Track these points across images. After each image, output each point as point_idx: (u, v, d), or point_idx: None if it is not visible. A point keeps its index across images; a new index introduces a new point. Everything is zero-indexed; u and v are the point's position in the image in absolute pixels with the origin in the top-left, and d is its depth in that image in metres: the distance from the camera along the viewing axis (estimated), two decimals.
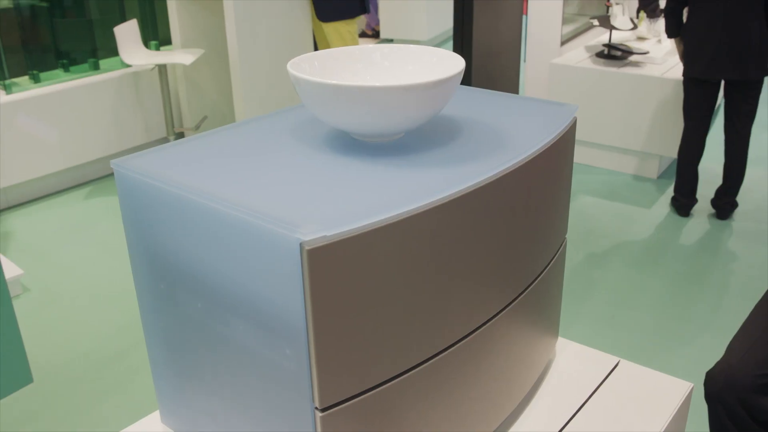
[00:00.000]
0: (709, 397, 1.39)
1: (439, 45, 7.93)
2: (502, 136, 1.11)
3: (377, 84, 0.94)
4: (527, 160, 1.04)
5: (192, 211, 0.91)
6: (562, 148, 1.17)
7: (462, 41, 4.33)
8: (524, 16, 4.90)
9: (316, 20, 4.41)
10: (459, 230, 0.94)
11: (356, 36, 4.56)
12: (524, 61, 5.02)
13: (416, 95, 0.98)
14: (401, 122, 1.02)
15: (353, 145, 1.07)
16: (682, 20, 3.53)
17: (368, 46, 1.13)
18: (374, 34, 8.36)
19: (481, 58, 3.30)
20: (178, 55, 4.12)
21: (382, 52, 1.13)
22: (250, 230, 0.84)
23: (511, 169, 1.00)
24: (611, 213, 3.92)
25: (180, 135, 4.73)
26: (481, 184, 0.95)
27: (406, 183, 0.94)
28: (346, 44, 4.52)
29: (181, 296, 1.01)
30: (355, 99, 0.96)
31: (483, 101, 1.30)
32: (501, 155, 1.03)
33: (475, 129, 1.15)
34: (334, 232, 0.80)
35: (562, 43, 4.90)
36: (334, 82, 0.95)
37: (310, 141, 1.09)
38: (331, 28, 4.38)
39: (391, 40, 8.02)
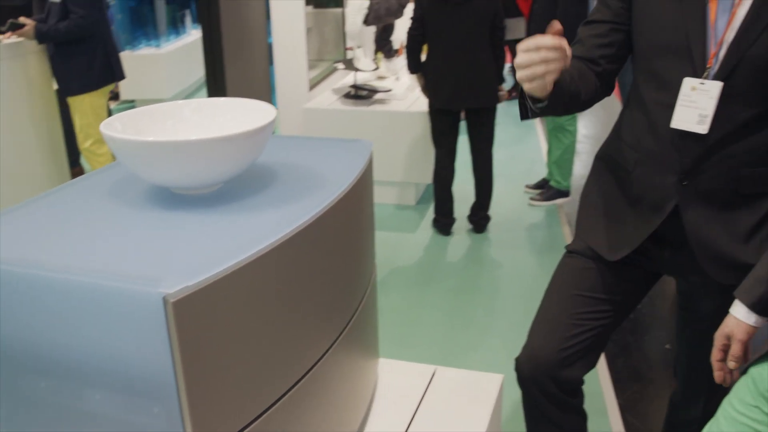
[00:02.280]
0: (522, 381, 1.56)
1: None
2: (314, 176, 1.19)
3: (197, 137, 0.97)
4: (344, 193, 1.12)
5: (29, 287, 0.87)
6: (366, 180, 1.27)
7: (216, 95, 4.37)
8: (271, 66, 5.05)
9: None
10: (298, 265, 1.00)
11: (103, 111, 4.11)
12: (276, 107, 5.17)
13: (236, 145, 1.02)
14: (221, 173, 1.05)
15: (175, 198, 1.08)
16: (421, 57, 3.87)
17: (178, 102, 1.15)
18: (114, 97, 8.07)
19: None
20: None
21: (191, 107, 1.16)
22: (104, 294, 0.82)
23: (332, 203, 1.08)
24: (381, 242, 4.14)
25: None
26: (311, 221, 1.01)
27: (243, 228, 0.97)
28: (89, 121, 4.14)
29: (18, 380, 0.95)
30: (176, 154, 0.98)
31: (283, 145, 1.37)
32: (320, 193, 1.10)
33: (286, 172, 1.21)
34: (194, 281, 0.82)
35: (310, 88, 5.11)
36: (153, 139, 0.97)
37: (132, 200, 1.08)
38: (74, 101, 3.99)
39: (132, 101, 7.80)
